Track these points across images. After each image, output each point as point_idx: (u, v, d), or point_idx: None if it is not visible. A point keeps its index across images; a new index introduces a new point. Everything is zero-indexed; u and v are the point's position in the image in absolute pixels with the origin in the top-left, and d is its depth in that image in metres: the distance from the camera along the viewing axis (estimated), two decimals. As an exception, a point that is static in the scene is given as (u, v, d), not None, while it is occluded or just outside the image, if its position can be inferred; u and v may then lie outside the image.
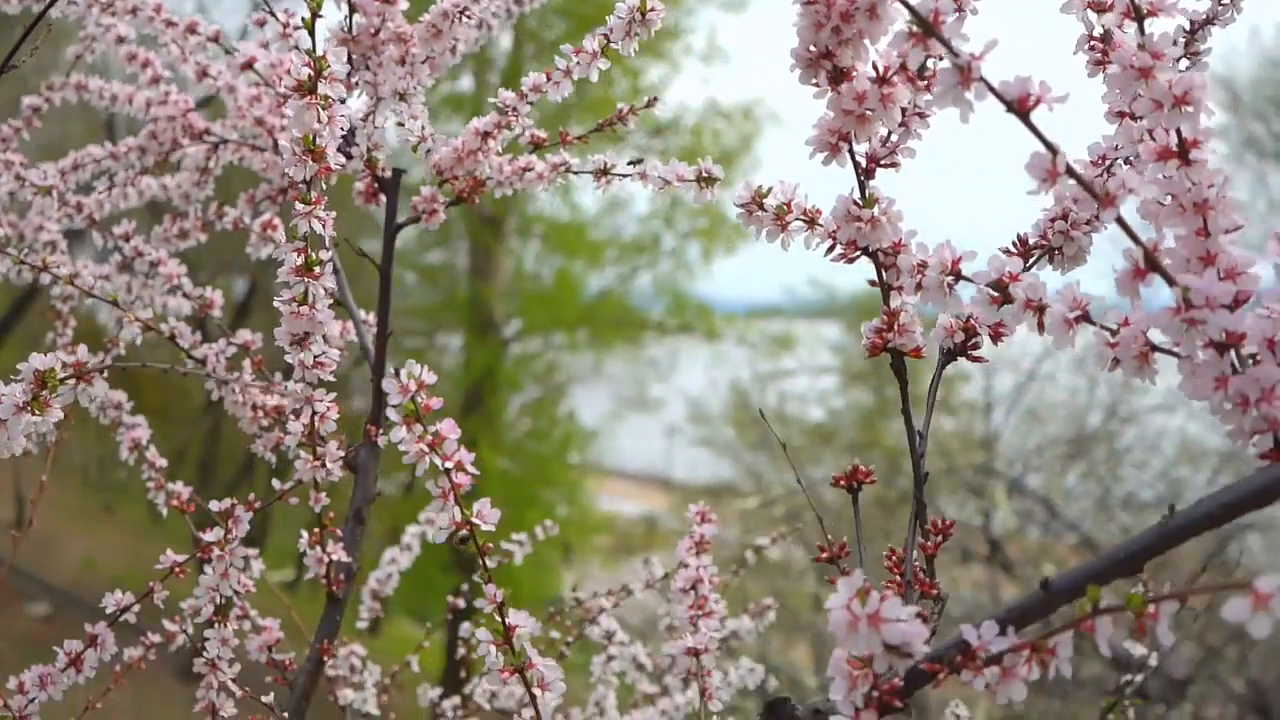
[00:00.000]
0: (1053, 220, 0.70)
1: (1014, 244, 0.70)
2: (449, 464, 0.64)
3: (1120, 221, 0.53)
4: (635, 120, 1.01)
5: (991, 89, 0.52)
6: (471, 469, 0.65)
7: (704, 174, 0.87)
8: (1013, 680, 0.52)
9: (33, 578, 8.00)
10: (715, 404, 11.22)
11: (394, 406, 0.63)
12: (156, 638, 1.15)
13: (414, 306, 11.53)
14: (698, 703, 1.32)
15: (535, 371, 11.64)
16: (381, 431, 0.98)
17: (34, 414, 0.68)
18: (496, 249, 11.22)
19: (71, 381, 0.70)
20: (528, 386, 11.54)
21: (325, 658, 1.01)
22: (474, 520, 0.65)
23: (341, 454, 0.93)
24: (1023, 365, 7.67)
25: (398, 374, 0.63)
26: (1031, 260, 0.70)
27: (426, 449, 0.64)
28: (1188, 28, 0.74)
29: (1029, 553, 6.77)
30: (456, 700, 1.37)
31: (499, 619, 0.67)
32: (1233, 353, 0.55)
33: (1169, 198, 0.56)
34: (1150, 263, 0.53)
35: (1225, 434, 0.53)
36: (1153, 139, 0.57)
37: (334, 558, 0.99)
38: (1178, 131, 0.55)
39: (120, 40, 1.22)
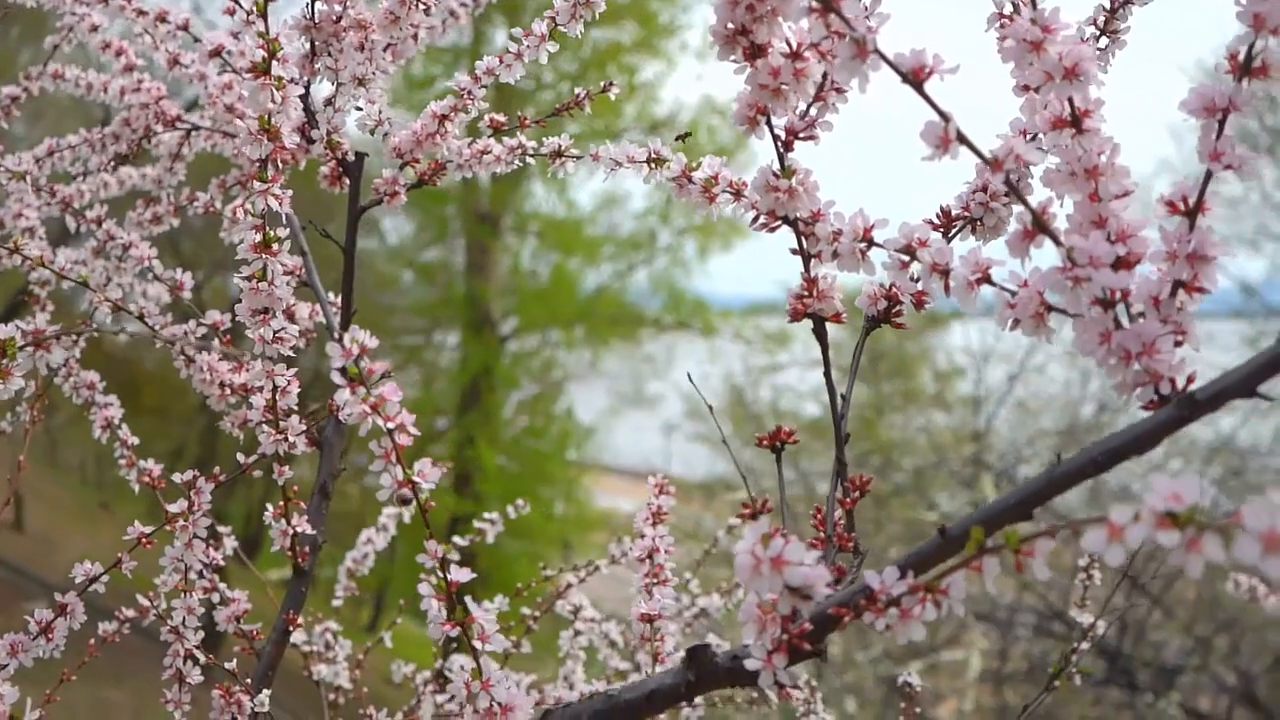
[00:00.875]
0: (974, 192, 0.73)
1: (937, 215, 0.73)
2: (391, 425, 0.67)
3: (1010, 185, 0.56)
4: (590, 106, 1.04)
5: (887, 60, 0.55)
6: (413, 430, 0.68)
7: (653, 156, 0.90)
8: (910, 620, 0.55)
9: (31, 576, 8.03)
10: (711, 399, 11.23)
11: (338, 370, 0.66)
12: (130, 612, 1.18)
13: (411, 304, 11.57)
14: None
15: (532, 369, 11.68)
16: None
17: (-4, 381, 0.71)
18: (493, 246, 11.25)
19: (30, 349, 0.73)
20: (525, 383, 11.58)
21: (291, 628, 1.04)
22: (415, 479, 0.68)
23: (304, 428, 0.96)
24: (1016, 358, 7.71)
25: (341, 339, 0.66)
26: (954, 231, 0.73)
27: (369, 410, 0.67)
28: (1108, 6, 0.77)
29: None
30: (427, 674, 1.41)
31: (440, 575, 0.70)
32: (1123, 310, 0.58)
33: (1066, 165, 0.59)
34: (1038, 224, 0.56)
35: (1111, 387, 0.56)
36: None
37: (298, 530, 1.02)
38: (1070, 101, 0.58)
39: (94, 29, 1.25)
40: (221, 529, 1.27)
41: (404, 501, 0.68)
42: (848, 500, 0.68)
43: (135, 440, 1.16)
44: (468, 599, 0.70)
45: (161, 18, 1.16)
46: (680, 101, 11.27)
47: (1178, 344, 0.56)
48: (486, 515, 1.46)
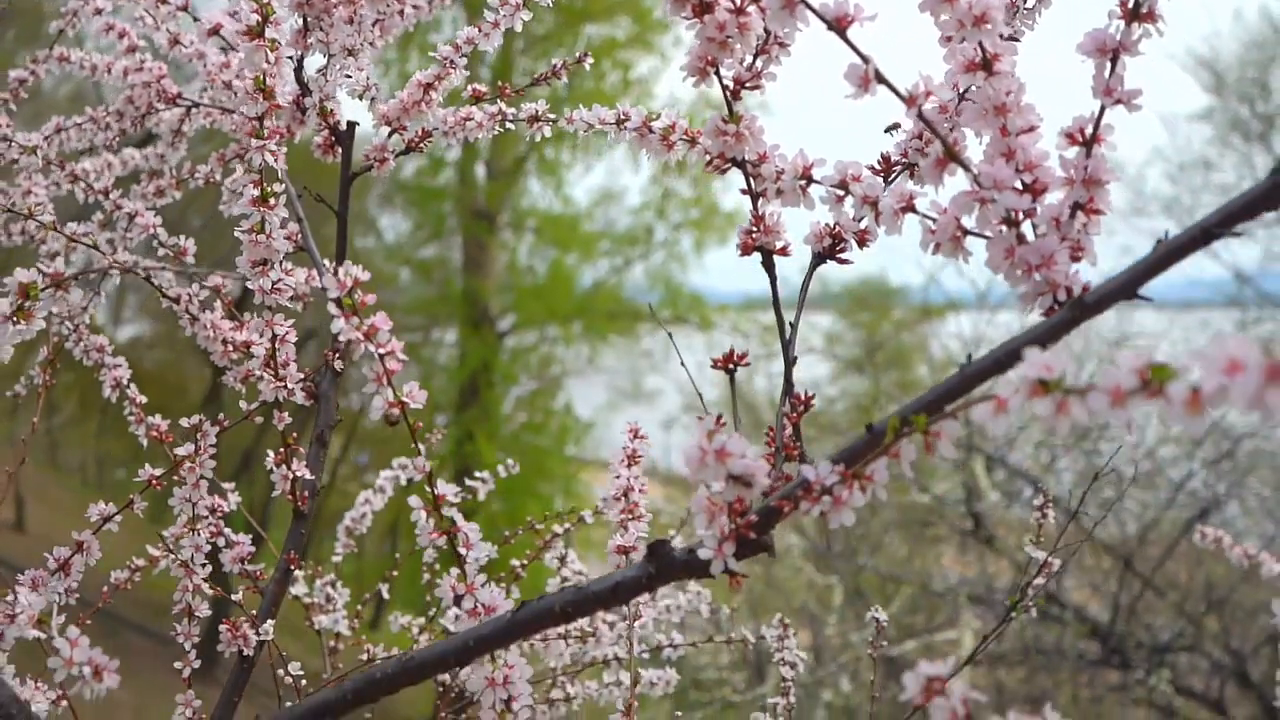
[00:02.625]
0: (911, 139, 0.80)
1: (878, 161, 0.80)
2: (382, 351, 0.74)
3: (923, 118, 0.63)
4: (567, 76, 1.11)
5: (813, 10, 0.62)
6: (402, 356, 0.75)
7: (621, 118, 0.97)
8: (842, 506, 0.62)
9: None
10: (709, 392, 11.32)
11: (333, 300, 0.73)
12: (141, 561, 1.25)
13: (409, 302, 11.64)
14: (649, 624, 1.42)
15: (530, 365, 11.76)
16: (338, 357, 1.08)
17: (19, 322, 0.78)
18: (490, 243, 11.32)
19: (51, 290, 0.80)
20: (523, 380, 11.65)
21: (292, 566, 1.11)
22: (405, 399, 0.75)
23: (301, 375, 1.03)
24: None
25: (336, 272, 0.73)
26: (894, 175, 0.80)
27: (362, 337, 0.74)
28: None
29: (1013, 528, 6.89)
30: (422, 621, 1.48)
31: (429, 489, 0.77)
32: (1030, 230, 0.65)
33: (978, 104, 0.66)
34: (950, 154, 0.63)
35: (1018, 298, 0.63)
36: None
37: (298, 475, 1.09)
38: (980, 45, 0.65)
39: (98, 12, 1.32)
40: (226, 485, 1.33)
41: (392, 421, 0.75)
42: (794, 415, 0.75)
43: (143, 399, 1.23)
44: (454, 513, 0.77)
45: (162, -1, 1.22)
46: (675, 96, 11.33)
47: (1075, 259, 0.63)
48: (478, 474, 1.53)
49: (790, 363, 0.76)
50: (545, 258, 11.88)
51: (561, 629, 1.30)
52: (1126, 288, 0.58)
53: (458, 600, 0.76)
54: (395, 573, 1.60)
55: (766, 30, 0.71)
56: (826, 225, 0.79)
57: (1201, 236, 0.57)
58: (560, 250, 11.74)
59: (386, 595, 1.53)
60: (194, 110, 1.34)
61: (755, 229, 0.75)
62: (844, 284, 11.61)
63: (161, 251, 1.21)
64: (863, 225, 0.77)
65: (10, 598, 0.79)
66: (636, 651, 1.28)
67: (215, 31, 1.17)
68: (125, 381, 1.24)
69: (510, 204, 11.67)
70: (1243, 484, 7.32)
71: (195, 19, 1.23)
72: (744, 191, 0.76)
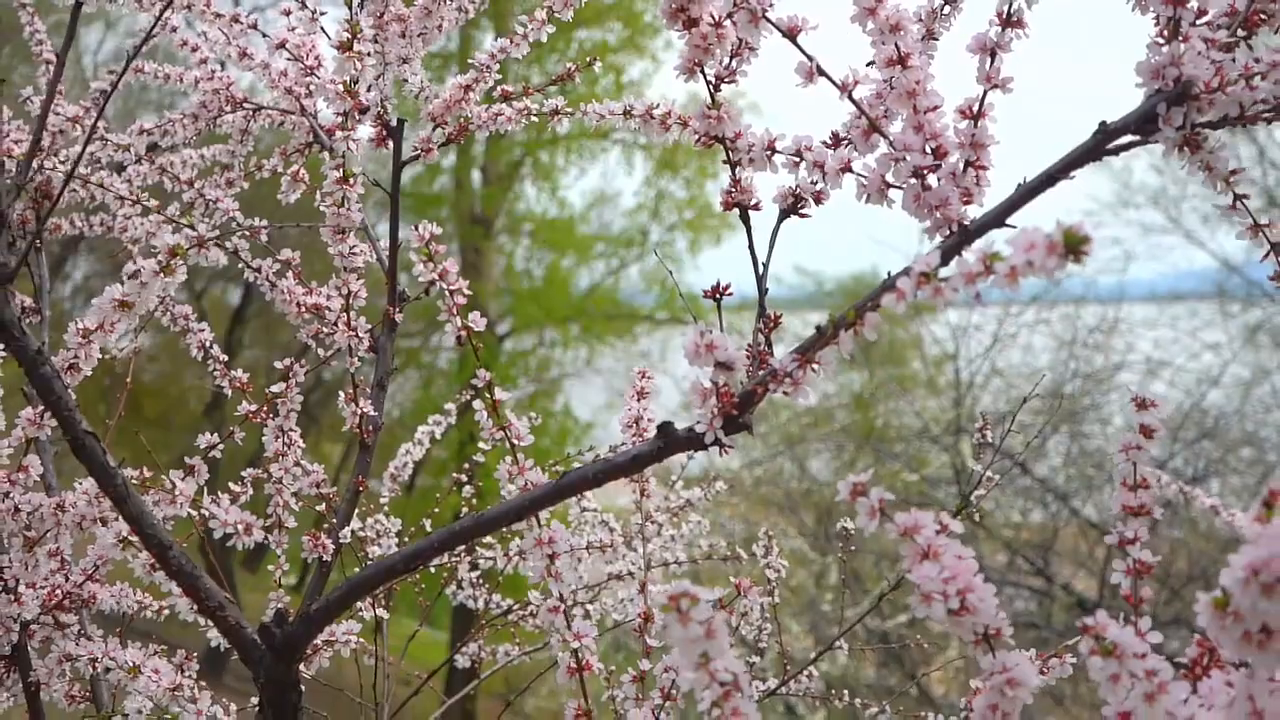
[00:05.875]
0: (852, 119, 1.03)
1: (830, 136, 1.03)
2: (452, 288, 0.97)
3: (854, 102, 0.86)
4: (580, 79, 1.34)
5: (772, 23, 0.85)
6: (467, 291, 0.98)
7: (628, 109, 1.20)
8: (801, 386, 0.85)
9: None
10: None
11: (414, 250, 0.96)
12: (253, 472, 1.46)
13: (408, 307, 11.84)
14: (654, 551, 1.64)
15: (529, 368, 11.97)
16: (398, 311, 1.30)
17: (166, 276, 1.01)
18: (487, 248, 11.55)
19: (195, 249, 1.02)
20: (522, 382, 11.87)
21: (360, 489, 1.34)
22: (470, 324, 0.98)
23: (370, 327, 1.26)
24: (991, 329, 8.05)
25: (417, 226, 0.96)
26: (841, 146, 1.03)
27: (438, 278, 0.97)
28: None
29: (1003, 509, 7.12)
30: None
31: (489, 395, 1.00)
32: (935, 181, 0.88)
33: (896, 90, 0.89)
34: (873, 126, 0.86)
35: (924, 231, 0.86)
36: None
37: (365, 412, 1.32)
38: (896, 46, 0.88)
39: (173, 30, 1.54)
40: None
41: (460, 343, 0.98)
42: (766, 330, 0.98)
43: (225, 357, 1.45)
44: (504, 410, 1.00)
45: (235, 19, 1.45)
46: (667, 99, 11.53)
47: (967, 202, 0.86)
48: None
49: (763, 293, 0.99)
50: (542, 261, 12.10)
51: (585, 542, 1.53)
52: (996, 220, 0.81)
53: (511, 479, 0.99)
54: (437, 510, 1.83)
55: (739, 38, 0.94)
56: (789, 186, 1.02)
57: (1047, 180, 0.80)
58: (556, 253, 11.97)
59: (431, 528, 1.76)
60: (258, 113, 1.57)
61: (734, 189, 0.98)
62: (838, 281, 11.85)
63: (240, 232, 1.43)
64: (818, 187, 1.00)
65: (170, 485, 1.01)
66: (648, 567, 1.50)
67: (282, 45, 1.40)
68: (209, 344, 1.47)
69: (506, 209, 11.90)
70: (1225, 462, 7.57)
71: (265, 35, 1.46)
72: (725, 162, 0.99)
